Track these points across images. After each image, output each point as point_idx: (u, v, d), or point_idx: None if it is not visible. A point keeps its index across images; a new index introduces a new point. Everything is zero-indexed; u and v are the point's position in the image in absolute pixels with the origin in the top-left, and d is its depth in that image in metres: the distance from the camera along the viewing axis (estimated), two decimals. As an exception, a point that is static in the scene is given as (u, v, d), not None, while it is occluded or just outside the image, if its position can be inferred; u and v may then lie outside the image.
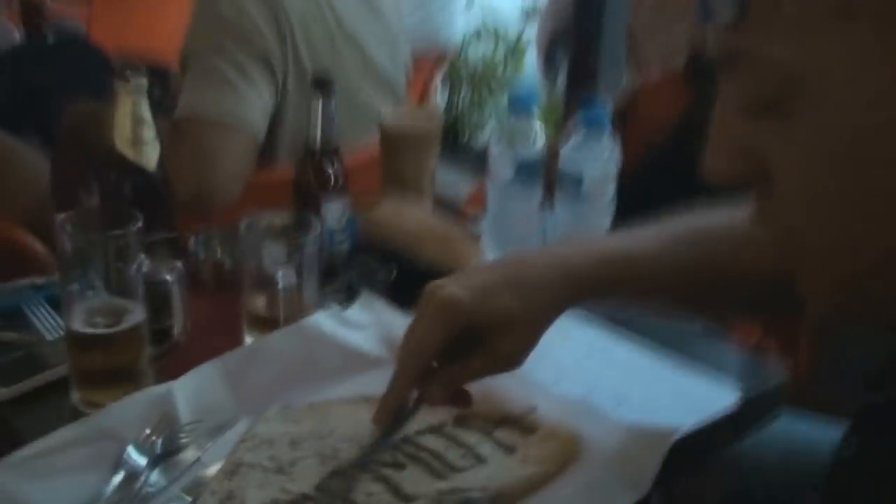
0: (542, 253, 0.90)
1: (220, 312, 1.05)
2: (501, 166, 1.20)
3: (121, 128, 0.94)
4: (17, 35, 2.30)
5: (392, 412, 0.82)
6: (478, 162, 1.54)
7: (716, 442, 0.95)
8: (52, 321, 1.04)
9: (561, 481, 0.81)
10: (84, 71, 1.97)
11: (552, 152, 1.19)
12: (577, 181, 1.16)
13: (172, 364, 0.94)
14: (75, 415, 0.89)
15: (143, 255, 0.87)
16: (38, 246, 1.57)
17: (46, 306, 1.07)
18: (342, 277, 1.11)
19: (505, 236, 1.21)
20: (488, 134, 3.00)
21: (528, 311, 0.82)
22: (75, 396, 0.91)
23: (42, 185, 1.68)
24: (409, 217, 1.23)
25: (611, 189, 1.18)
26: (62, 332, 1.00)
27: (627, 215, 0.95)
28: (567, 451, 0.84)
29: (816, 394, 1.21)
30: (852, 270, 0.51)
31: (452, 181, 1.79)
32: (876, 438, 0.58)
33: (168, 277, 0.91)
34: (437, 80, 1.46)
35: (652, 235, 0.87)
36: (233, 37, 1.36)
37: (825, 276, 0.52)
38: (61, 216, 0.87)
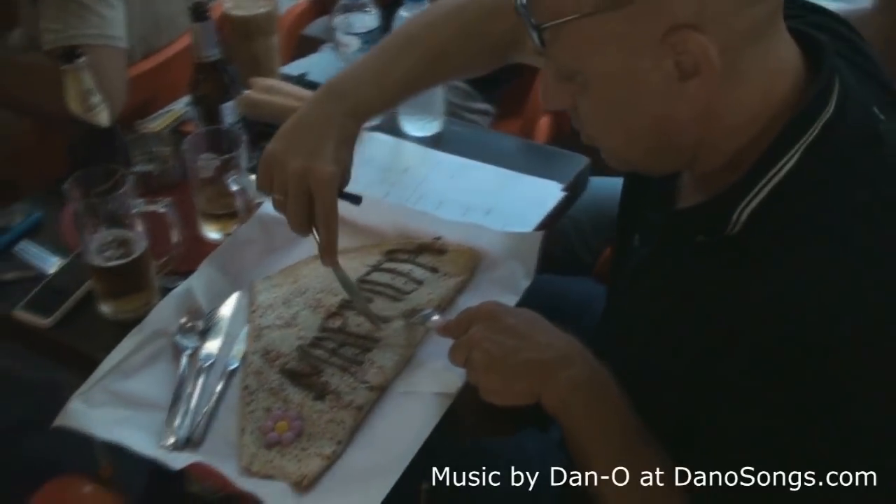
0: (340, 100, 1.16)
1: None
2: (346, 40, 1.49)
3: (76, 100, 1.17)
4: None
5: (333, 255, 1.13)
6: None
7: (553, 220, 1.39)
8: (42, 255, 1.29)
9: (476, 282, 1.22)
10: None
11: (388, 22, 1.49)
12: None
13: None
14: (112, 323, 1.19)
15: (140, 199, 1.15)
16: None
17: (29, 241, 1.31)
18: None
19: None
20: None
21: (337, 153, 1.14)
22: (106, 309, 1.20)
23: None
24: (278, 94, 1.51)
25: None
26: (58, 263, 1.27)
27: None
28: (473, 261, 1.24)
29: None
30: (628, 159, 0.92)
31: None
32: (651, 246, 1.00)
33: (162, 209, 1.19)
34: None
35: (394, 47, 1.20)
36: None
37: (615, 159, 0.92)
38: (67, 181, 1.11)
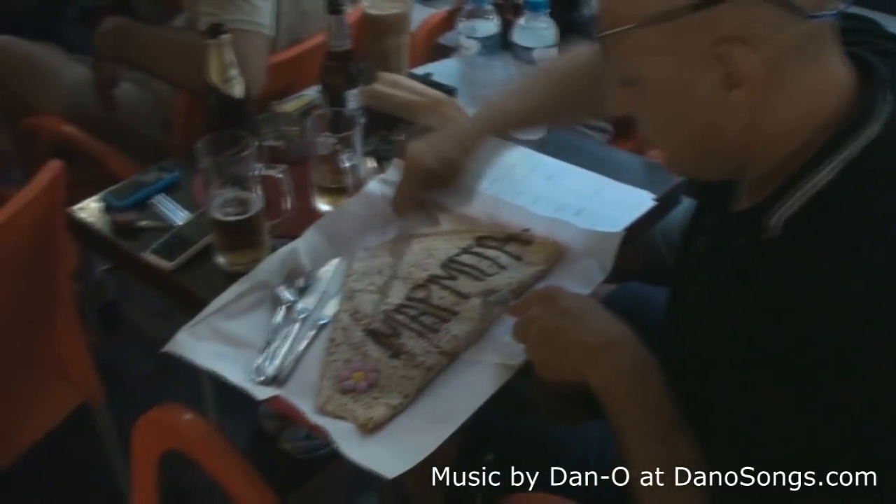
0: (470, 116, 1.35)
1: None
2: (467, 43, 1.60)
3: (215, 72, 1.32)
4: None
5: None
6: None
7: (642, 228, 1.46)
8: (174, 209, 1.45)
9: (555, 273, 1.31)
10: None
11: (506, 30, 1.60)
12: (528, 51, 1.58)
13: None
14: (225, 273, 1.33)
15: (260, 164, 1.28)
16: (81, 135, 1.93)
17: (165, 196, 1.48)
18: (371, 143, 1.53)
19: (474, 98, 1.63)
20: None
21: (460, 153, 1.28)
22: (221, 260, 1.34)
23: (73, 82, 2.01)
24: (401, 89, 1.64)
25: (553, 52, 1.60)
26: (187, 217, 1.43)
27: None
28: (555, 254, 1.33)
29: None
30: (681, 164, 0.99)
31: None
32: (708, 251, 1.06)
33: (279, 175, 1.32)
34: None
35: (530, 84, 1.33)
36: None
37: (670, 163, 1.00)
38: (200, 141, 1.26)
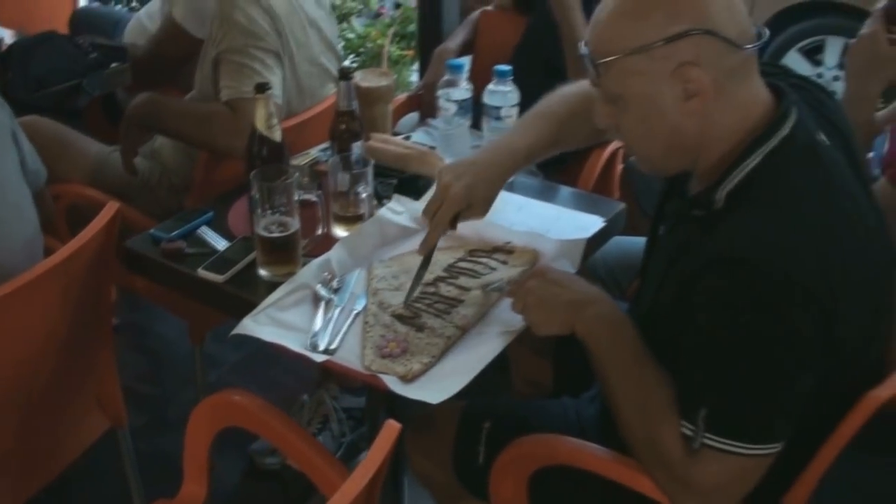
0: (488, 156, 1.65)
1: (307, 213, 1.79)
2: (446, 105, 1.98)
3: (261, 121, 1.66)
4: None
5: (429, 249, 1.58)
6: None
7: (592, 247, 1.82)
8: (216, 237, 1.76)
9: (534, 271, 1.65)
10: (68, 59, 2.52)
11: (478, 94, 1.98)
12: (496, 109, 1.96)
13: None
14: (266, 283, 1.63)
15: (299, 190, 1.61)
16: (103, 197, 2.21)
17: (207, 227, 1.78)
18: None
19: (452, 151, 2.00)
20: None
21: (490, 191, 1.60)
22: (263, 273, 1.64)
23: (96, 154, 2.31)
24: (392, 145, 1.99)
25: (515, 112, 1.98)
26: (226, 244, 1.73)
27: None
28: (534, 258, 1.68)
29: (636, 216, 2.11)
30: (653, 160, 1.36)
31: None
32: (668, 229, 1.44)
33: (314, 199, 1.65)
34: (387, 46, 2.16)
35: (528, 123, 1.66)
36: (251, 40, 2.03)
37: (644, 160, 1.37)
38: (252, 173, 1.58)
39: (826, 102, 1.40)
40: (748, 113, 1.28)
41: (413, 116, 2.72)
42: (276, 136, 1.68)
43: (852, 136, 1.38)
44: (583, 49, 1.31)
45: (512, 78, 1.96)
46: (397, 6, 5.07)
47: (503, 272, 1.64)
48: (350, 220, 1.76)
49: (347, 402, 2.42)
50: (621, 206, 1.90)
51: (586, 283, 1.44)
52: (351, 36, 4.17)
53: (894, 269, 1.39)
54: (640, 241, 1.63)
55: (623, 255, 2.02)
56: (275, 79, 2.05)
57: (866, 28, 1.87)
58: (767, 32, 1.30)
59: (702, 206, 1.30)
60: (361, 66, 3.92)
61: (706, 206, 1.29)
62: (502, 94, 1.95)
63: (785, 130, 1.27)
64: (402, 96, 2.70)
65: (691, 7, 1.22)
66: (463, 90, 2.00)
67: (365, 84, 2.06)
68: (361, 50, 4.11)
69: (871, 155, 2.00)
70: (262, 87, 1.65)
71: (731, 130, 1.28)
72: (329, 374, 2.32)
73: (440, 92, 2.01)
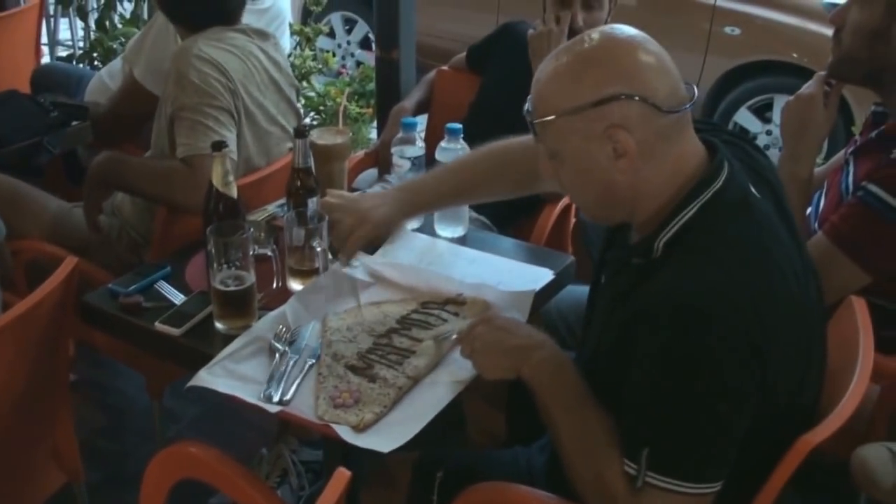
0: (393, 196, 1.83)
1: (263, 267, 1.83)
2: (400, 162, 2.04)
3: (217, 177, 1.70)
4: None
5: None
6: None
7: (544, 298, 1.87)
8: (173, 291, 1.79)
9: (485, 322, 1.70)
10: (30, 117, 2.56)
11: (431, 152, 2.05)
12: (447, 167, 2.02)
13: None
14: (222, 335, 1.66)
15: (254, 245, 1.65)
16: (62, 252, 2.24)
17: (164, 282, 1.81)
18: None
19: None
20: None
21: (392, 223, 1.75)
22: (219, 326, 1.68)
23: (56, 210, 2.34)
24: (346, 200, 2.04)
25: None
26: (183, 298, 1.76)
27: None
28: (485, 309, 1.72)
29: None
30: (590, 210, 1.43)
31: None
32: (609, 277, 1.50)
33: (269, 253, 1.69)
34: (343, 104, 2.23)
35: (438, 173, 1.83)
36: (205, 99, 2.09)
37: (583, 209, 1.43)
38: (209, 228, 1.62)
39: (757, 158, 1.48)
40: (680, 169, 1.35)
41: (372, 172, 2.78)
42: (232, 192, 1.73)
43: (783, 190, 1.46)
44: (526, 107, 1.38)
45: (464, 136, 2.02)
46: (358, 65, 5.17)
47: (455, 324, 1.68)
48: (305, 273, 1.80)
49: (307, 455, 2.43)
50: (570, 258, 1.96)
51: (532, 328, 1.50)
52: (311, 94, 4.23)
53: (825, 321, 1.45)
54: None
55: (577, 304, 2.07)
56: (229, 135, 2.10)
57: (806, 89, 1.96)
58: (696, 91, 1.37)
59: (641, 254, 1.36)
60: (322, 124, 4.00)
61: (645, 255, 1.35)
62: (453, 151, 2.02)
63: (718, 184, 1.34)
64: (360, 153, 2.77)
65: (622, 72, 1.30)
66: (416, 147, 2.06)
67: (321, 142, 2.11)
68: (321, 108, 4.18)
69: (809, 210, 2.08)
70: (219, 146, 1.70)
71: (664, 186, 1.35)
72: (289, 428, 2.33)
73: (394, 149, 2.07)
